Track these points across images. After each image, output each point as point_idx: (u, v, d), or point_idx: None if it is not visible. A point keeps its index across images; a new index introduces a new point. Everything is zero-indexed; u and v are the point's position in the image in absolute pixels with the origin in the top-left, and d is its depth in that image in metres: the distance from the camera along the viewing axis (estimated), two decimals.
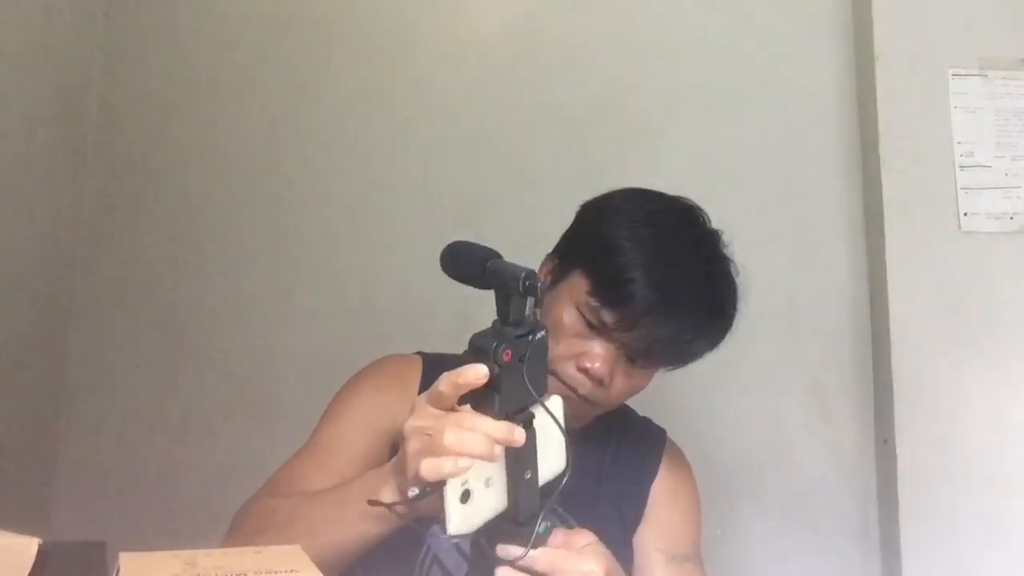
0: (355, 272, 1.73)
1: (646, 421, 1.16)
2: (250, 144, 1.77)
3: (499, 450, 0.72)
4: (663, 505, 1.08)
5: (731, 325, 1.00)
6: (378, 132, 1.77)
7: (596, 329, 0.95)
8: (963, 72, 1.62)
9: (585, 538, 0.81)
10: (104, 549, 0.68)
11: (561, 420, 0.78)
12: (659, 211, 1.00)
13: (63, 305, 1.71)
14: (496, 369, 0.71)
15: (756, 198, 1.69)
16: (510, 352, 0.72)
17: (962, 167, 1.59)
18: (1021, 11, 1.63)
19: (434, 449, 0.71)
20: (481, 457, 0.71)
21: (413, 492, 0.74)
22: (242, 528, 0.91)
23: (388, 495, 0.80)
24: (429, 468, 0.71)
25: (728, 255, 1.01)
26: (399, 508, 0.77)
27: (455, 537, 0.71)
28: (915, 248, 1.57)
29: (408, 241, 1.72)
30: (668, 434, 1.15)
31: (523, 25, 1.79)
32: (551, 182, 1.71)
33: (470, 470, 0.70)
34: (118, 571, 0.60)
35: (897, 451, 1.52)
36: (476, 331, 0.75)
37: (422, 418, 0.75)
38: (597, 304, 0.94)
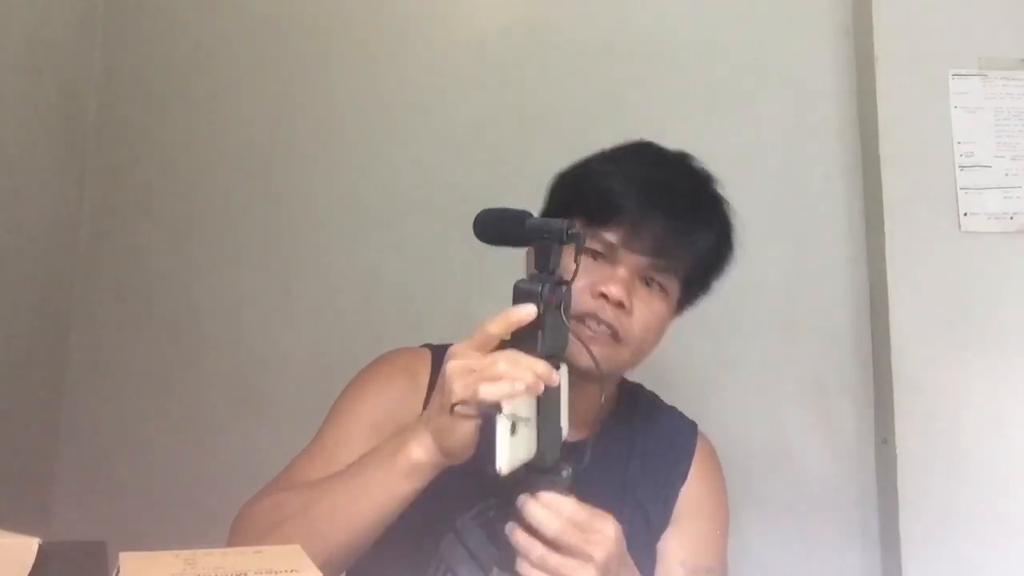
0: (354, 272, 1.73)
1: (674, 412, 1.12)
2: (250, 144, 1.77)
3: (542, 386, 0.75)
4: (690, 511, 1.04)
5: (729, 219, 1.04)
6: (378, 132, 1.76)
7: (604, 258, 0.97)
8: (963, 72, 1.62)
9: (603, 520, 0.80)
10: (104, 549, 0.68)
11: (566, 386, 0.82)
12: (634, 143, 1.08)
13: (63, 305, 1.71)
14: (543, 308, 0.77)
15: (756, 198, 1.68)
16: (554, 296, 0.77)
17: (962, 167, 1.59)
18: (1021, 11, 1.63)
19: (488, 376, 0.75)
20: (529, 386, 0.74)
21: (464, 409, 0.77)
22: (251, 527, 0.89)
23: (419, 451, 0.81)
24: (488, 390, 0.74)
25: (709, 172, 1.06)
26: (462, 410, 0.78)
27: (504, 476, 0.74)
28: (915, 248, 1.57)
29: (408, 241, 1.72)
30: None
31: (523, 25, 1.79)
32: None
33: (513, 404, 0.74)
34: (118, 571, 0.60)
35: (897, 451, 1.52)
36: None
37: (467, 358, 0.78)
38: (593, 230, 0.97)
